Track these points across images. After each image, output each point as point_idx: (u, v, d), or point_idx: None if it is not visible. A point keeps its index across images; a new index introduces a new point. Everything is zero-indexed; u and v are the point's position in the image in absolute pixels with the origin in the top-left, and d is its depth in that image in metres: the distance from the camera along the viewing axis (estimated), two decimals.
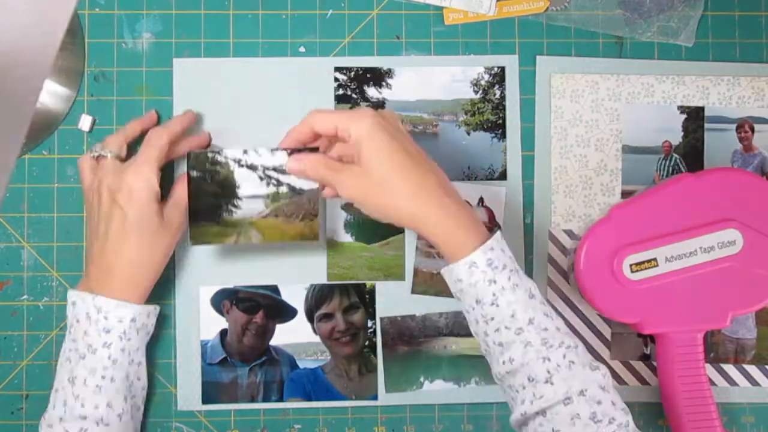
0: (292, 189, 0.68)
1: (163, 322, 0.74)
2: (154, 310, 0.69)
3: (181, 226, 0.69)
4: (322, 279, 0.75)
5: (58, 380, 0.66)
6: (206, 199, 0.67)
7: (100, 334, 0.65)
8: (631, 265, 0.67)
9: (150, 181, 0.65)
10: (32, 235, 0.74)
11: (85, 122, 0.73)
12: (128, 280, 0.66)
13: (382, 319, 0.75)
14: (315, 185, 0.67)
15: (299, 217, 0.69)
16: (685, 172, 0.72)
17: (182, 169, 0.73)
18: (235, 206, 0.68)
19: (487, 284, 0.60)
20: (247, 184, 0.67)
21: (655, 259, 0.67)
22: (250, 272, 0.74)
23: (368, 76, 0.76)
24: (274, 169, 0.67)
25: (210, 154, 0.67)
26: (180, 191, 0.68)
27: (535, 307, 0.60)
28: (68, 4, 0.49)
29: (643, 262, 0.67)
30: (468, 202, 0.65)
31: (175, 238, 0.69)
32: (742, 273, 0.67)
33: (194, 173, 0.67)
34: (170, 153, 0.69)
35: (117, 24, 0.74)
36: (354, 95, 0.76)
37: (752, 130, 0.76)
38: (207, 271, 0.74)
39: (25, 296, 0.74)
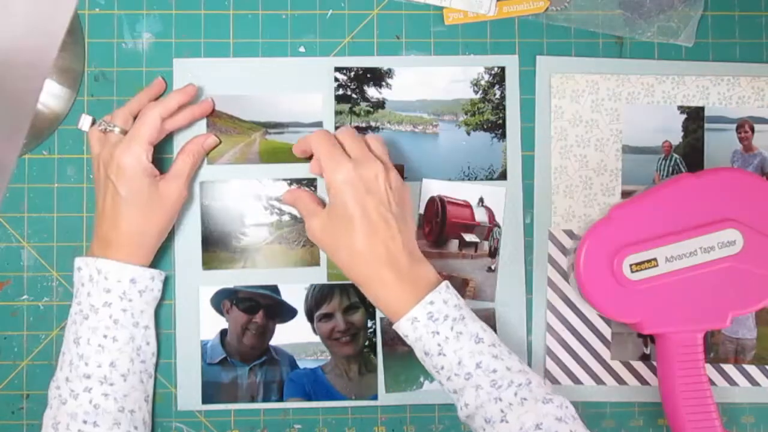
0: (294, 217, 0.74)
1: (163, 322, 0.74)
2: (158, 275, 0.70)
3: (182, 198, 0.71)
4: (321, 279, 0.75)
5: (65, 343, 0.68)
6: (215, 227, 0.74)
7: (101, 294, 0.67)
8: (631, 265, 0.67)
9: (139, 157, 0.67)
10: (32, 235, 0.74)
11: (85, 122, 0.73)
12: (127, 246, 0.68)
13: (382, 318, 0.75)
14: None
15: (301, 243, 0.75)
16: (685, 172, 0.72)
17: (183, 140, 0.74)
18: (243, 234, 0.74)
19: (431, 336, 0.63)
20: (253, 213, 0.74)
21: (655, 259, 0.67)
22: (250, 272, 0.75)
23: (368, 76, 0.76)
24: (277, 199, 0.74)
25: (219, 184, 0.73)
26: (180, 164, 0.71)
27: (482, 352, 0.62)
28: (68, 4, 0.49)
29: (643, 262, 0.67)
30: (424, 260, 0.67)
31: (173, 208, 0.70)
32: (742, 273, 0.67)
33: (205, 202, 0.73)
34: (168, 126, 0.71)
35: (117, 24, 0.74)
36: (354, 95, 0.76)
37: (752, 130, 0.76)
38: (207, 272, 0.74)
39: (25, 296, 0.74)
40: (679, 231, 0.67)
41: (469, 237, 0.75)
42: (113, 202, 0.67)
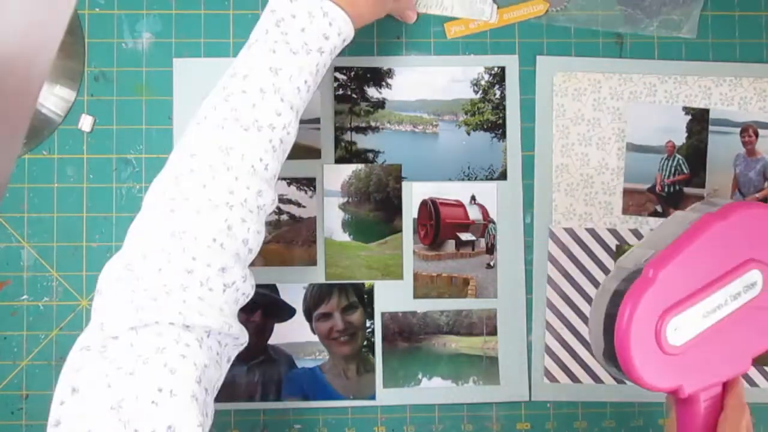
0: (292, 217, 0.74)
1: None
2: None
3: None
4: (320, 278, 0.75)
5: (246, 63, 0.59)
6: None
7: (319, 38, 0.60)
8: (675, 329, 0.59)
9: None
10: (32, 235, 0.74)
11: (85, 122, 0.74)
12: (362, 5, 0.62)
13: (383, 314, 0.75)
14: (314, 214, 0.73)
15: (299, 243, 0.74)
16: (708, 214, 0.62)
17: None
18: None
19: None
20: None
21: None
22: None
23: (368, 76, 0.76)
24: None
25: None
26: None
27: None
28: (68, 4, 0.50)
29: (686, 324, 0.59)
30: None
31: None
32: (762, 313, 0.61)
33: None
34: None
35: (117, 24, 0.75)
36: (354, 95, 0.76)
37: (756, 135, 0.76)
38: None
39: (25, 296, 0.74)
40: (711, 283, 0.59)
41: (465, 236, 0.75)
42: None
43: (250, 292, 0.57)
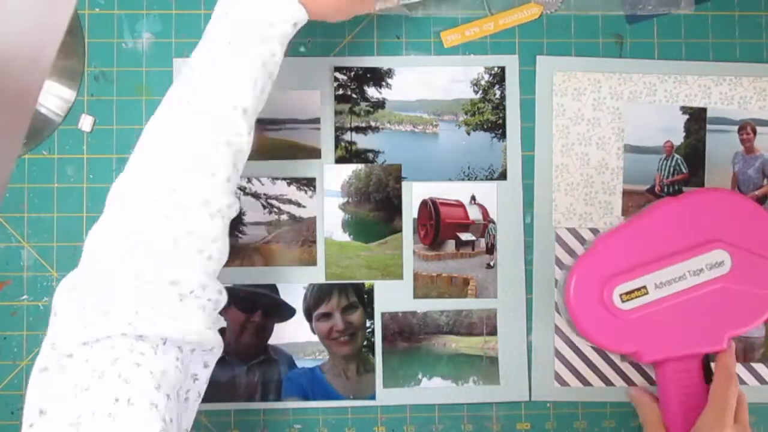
0: (292, 217, 0.74)
1: None
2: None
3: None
4: (320, 278, 0.75)
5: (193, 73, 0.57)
6: None
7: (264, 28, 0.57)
8: (621, 295, 0.66)
9: None
10: (32, 235, 0.74)
11: (85, 122, 0.74)
12: None
13: (383, 314, 0.75)
14: (314, 214, 0.74)
15: (299, 243, 0.74)
16: (667, 197, 0.72)
17: None
18: (241, 232, 0.74)
19: None
20: (251, 212, 0.74)
21: (644, 287, 0.66)
22: (249, 271, 0.75)
23: (368, 76, 0.76)
24: (276, 198, 0.74)
25: None
26: None
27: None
28: (68, 4, 0.50)
29: (632, 291, 0.66)
30: None
31: None
32: (734, 293, 0.67)
33: None
34: None
35: (117, 24, 0.75)
36: (354, 95, 0.76)
37: (754, 132, 0.76)
38: None
39: (25, 296, 0.74)
40: (666, 256, 0.66)
41: (465, 236, 0.75)
42: None
43: (218, 298, 0.56)
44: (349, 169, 0.75)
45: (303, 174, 0.75)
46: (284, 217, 0.75)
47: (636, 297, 0.66)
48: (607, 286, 0.66)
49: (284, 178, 0.75)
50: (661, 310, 0.66)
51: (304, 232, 0.75)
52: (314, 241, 0.75)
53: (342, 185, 0.75)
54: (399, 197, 0.75)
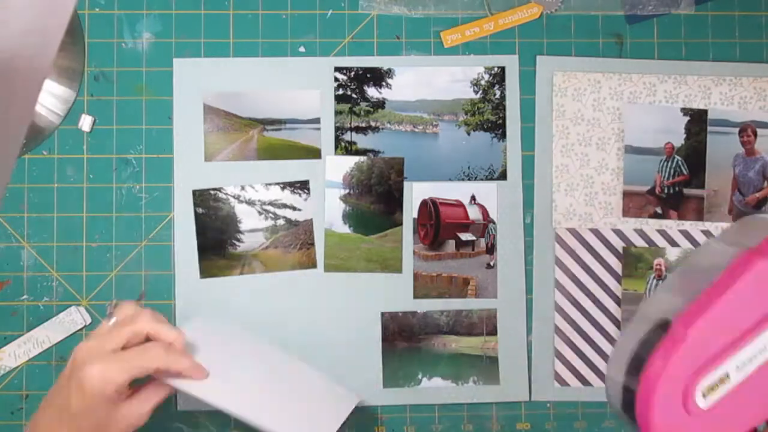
0: (289, 221, 0.74)
1: None
2: None
3: (140, 421, 0.58)
4: (319, 279, 0.75)
5: None
6: (212, 234, 0.74)
7: None
8: (702, 391, 0.48)
9: (108, 384, 0.55)
10: (32, 235, 0.74)
11: (85, 122, 0.74)
12: None
13: (383, 314, 0.75)
14: (310, 216, 0.73)
15: (297, 246, 0.75)
16: (748, 250, 0.50)
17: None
18: (238, 240, 0.74)
19: None
20: (248, 219, 0.74)
21: (727, 374, 0.49)
22: (247, 279, 0.74)
23: (368, 76, 0.76)
24: (271, 204, 0.74)
25: (212, 192, 0.73)
26: (152, 392, 0.59)
27: None
28: (68, 4, 0.49)
29: (715, 383, 0.49)
30: None
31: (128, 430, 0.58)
32: None
33: (200, 210, 0.73)
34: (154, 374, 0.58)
35: (117, 24, 0.75)
36: (354, 95, 0.76)
37: (755, 134, 0.76)
38: (204, 280, 0.74)
39: (25, 296, 0.74)
40: (750, 328, 0.49)
41: (465, 236, 0.75)
42: (58, 411, 0.57)
43: None
44: (351, 161, 0.75)
45: (296, 177, 0.75)
46: (281, 221, 0.75)
47: (717, 388, 0.49)
48: (691, 385, 0.48)
49: (277, 183, 0.75)
50: (737, 393, 0.49)
51: (302, 235, 0.75)
52: (312, 244, 0.74)
53: (344, 176, 0.75)
54: (400, 191, 0.75)
